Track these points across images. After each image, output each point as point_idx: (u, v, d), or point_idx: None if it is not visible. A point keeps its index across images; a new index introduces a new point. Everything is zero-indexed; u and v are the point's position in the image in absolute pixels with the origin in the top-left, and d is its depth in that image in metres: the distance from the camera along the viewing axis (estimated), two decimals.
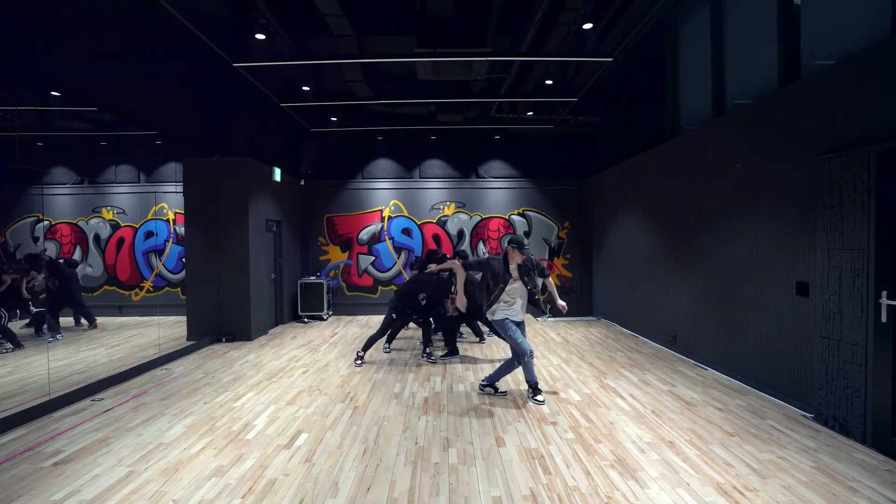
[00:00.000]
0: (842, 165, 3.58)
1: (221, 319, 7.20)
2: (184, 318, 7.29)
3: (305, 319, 9.05)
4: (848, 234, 3.53)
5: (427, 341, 6.02)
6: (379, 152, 9.98)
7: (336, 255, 9.89)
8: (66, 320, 7.09)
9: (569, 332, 7.53)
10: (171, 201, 9.06)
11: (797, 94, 4.11)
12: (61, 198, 9.03)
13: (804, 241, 4.01)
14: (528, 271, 4.49)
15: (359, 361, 5.77)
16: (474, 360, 5.95)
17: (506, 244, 4.52)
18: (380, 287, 9.77)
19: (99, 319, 7.44)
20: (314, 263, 9.82)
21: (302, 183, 9.65)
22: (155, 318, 7.67)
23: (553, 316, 9.12)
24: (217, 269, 7.16)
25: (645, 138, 7.19)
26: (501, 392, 4.66)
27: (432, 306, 6.20)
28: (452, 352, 6.12)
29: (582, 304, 9.70)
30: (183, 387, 4.97)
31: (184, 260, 7.59)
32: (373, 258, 9.83)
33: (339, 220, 9.92)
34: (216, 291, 7.17)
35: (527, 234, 9.86)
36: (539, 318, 9.06)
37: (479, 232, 9.82)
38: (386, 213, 9.89)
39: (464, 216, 9.89)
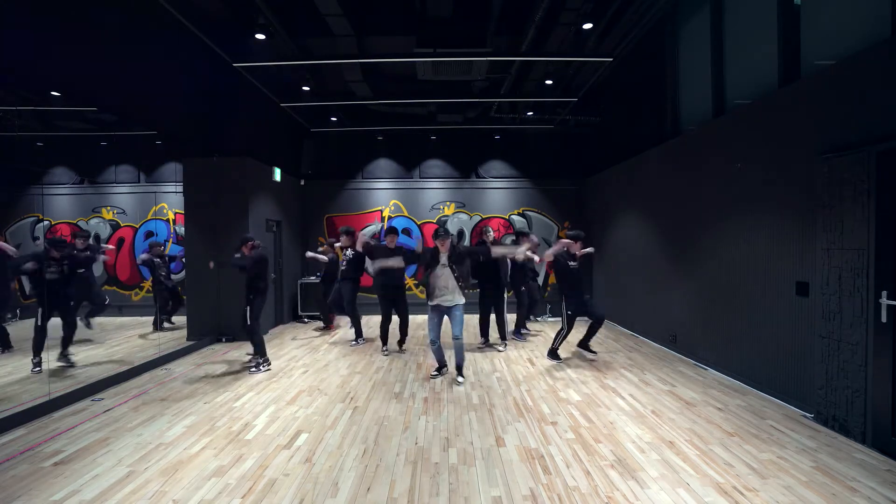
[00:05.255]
0: (842, 165, 3.57)
1: (221, 319, 7.20)
2: (184, 318, 7.29)
3: (305, 319, 9.04)
4: (848, 234, 3.53)
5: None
6: (379, 152, 9.98)
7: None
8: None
9: None
10: (171, 201, 9.05)
11: (797, 94, 4.11)
12: (61, 198, 9.02)
13: (804, 241, 4.01)
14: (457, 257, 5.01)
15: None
16: (473, 360, 5.95)
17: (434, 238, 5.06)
18: None
19: (99, 320, 7.41)
20: (314, 263, 9.81)
21: (302, 183, 9.64)
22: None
23: (553, 315, 9.13)
24: (217, 270, 7.15)
25: (645, 138, 7.19)
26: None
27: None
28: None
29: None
30: (183, 387, 4.97)
31: (184, 260, 7.58)
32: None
33: (339, 221, 9.91)
34: (216, 291, 7.16)
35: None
36: (539, 318, 9.06)
37: (479, 229, 9.82)
38: (386, 213, 9.89)
39: (464, 216, 9.89)
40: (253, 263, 5.47)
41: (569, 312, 5.72)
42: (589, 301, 5.79)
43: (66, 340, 5.48)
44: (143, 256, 7.62)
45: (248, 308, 5.52)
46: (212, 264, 5.73)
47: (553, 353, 5.90)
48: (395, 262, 5.39)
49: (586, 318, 5.75)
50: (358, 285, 7.03)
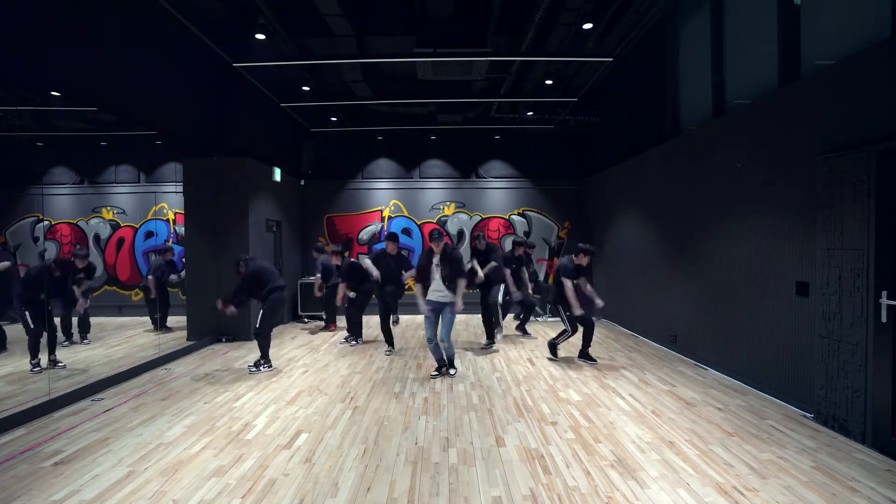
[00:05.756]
0: (842, 165, 3.57)
1: (221, 319, 7.18)
2: (184, 318, 7.29)
3: (305, 319, 9.04)
4: (848, 234, 3.53)
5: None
6: (379, 152, 9.98)
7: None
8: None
9: None
10: (171, 201, 9.06)
11: (797, 94, 4.11)
12: (61, 198, 9.03)
13: (804, 241, 4.01)
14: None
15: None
16: (473, 360, 5.95)
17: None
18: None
19: (99, 319, 7.43)
20: (314, 263, 9.81)
21: (302, 183, 9.64)
22: (155, 318, 7.65)
23: (553, 316, 9.11)
24: (217, 269, 7.16)
25: (645, 138, 7.19)
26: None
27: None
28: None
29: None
30: (183, 387, 4.97)
31: (184, 260, 7.59)
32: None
33: (339, 220, 9.92)
34: (216, 291, 7.16)
35: (527, 234, 9.86)
36: (539, 318, 9.06)
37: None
38: (386, 213, 9.89)
39: (464, 216, 9.89)
40: (243, 285, 5.50)
41: (568, 314, 5.73)
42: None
43: (52, 344, 5.50)
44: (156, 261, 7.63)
45: (260, 315, 5.51)
46: (229, 309, 5.58)
47: (553, 348, 5.91)
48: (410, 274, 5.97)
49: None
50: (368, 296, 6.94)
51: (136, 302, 8.74)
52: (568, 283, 5.58)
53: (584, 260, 5.71)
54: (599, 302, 5.73)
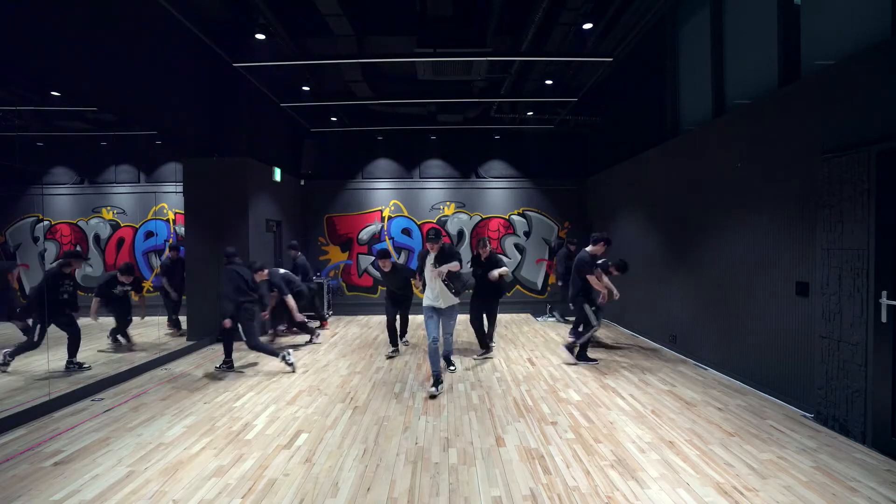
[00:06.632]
0: (842, 165, 3.58)
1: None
2: (184, 318, 7.29)
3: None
4: (848, 234, 3.53)
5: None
6: (379, 152, 9.98)
7: (336, 255, 9.89)
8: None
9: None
10: (171, 201, 9.06)
11: (797, 94, 4.11)
12: (61, 198, 9.04)
13: (804, 241, 4.01)
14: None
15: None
16: (473, 360, 5.95)
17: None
18: (379, 287, 9.76)
19: (101, 320, 7.41)
20: (314, 263, 9.81)
21: (302, 183, 9.65)
22: (155, 318, 7.65)
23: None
24: (217, 269, 7.14)
25: (645, 138, 7.19)
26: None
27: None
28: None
29: None
30: (183, 387, 4.97)
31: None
32: (373, 258, 9.83)
33: (339, 220, 9.92)
34: (216, 291, 7.14)
35: (527, 234, 9.87)
36: (539, 318, 9.06)
37: (479, 232, 9.82)
38: (386, 213, 9.89)
39: (464, 216, 9.89)
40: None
41: (594, 308, 5.58)
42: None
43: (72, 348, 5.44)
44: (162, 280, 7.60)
45: (241, 330, 5.43)
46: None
47: (583, 350, 5.72)
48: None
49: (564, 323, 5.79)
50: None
51: (136, 302, 8.73)
52: (591, 278, 5.54)
53: (600, 249, 5.69)
54: (616, 293, 5.91)
